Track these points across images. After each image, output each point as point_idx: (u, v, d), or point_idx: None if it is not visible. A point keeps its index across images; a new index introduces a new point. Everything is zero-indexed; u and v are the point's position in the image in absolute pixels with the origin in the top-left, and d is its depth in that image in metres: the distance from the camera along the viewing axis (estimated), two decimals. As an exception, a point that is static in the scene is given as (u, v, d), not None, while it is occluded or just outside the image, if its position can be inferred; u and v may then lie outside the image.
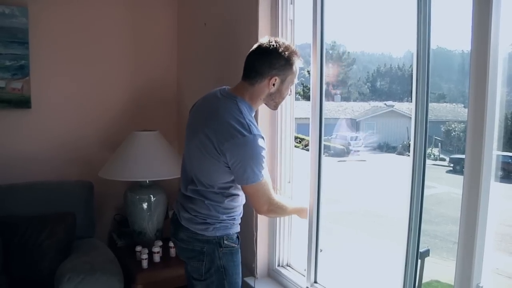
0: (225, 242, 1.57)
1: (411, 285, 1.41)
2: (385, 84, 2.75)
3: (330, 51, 2.58)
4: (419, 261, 1.41)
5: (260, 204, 1.54)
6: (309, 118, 1.79)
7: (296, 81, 1.59)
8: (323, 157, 1.78)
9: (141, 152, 2.36)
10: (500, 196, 1.22)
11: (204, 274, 1.57)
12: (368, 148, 2.82)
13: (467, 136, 1.17)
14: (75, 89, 2.63)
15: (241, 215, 1.66)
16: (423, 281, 1.46)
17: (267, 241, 2.10)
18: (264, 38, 1.54)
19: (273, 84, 1.51)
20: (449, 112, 2.11)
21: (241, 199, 1.62)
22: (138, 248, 2.34)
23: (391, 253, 1.90)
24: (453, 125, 2.14)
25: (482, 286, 1.19)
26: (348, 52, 2.78)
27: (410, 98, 1.38)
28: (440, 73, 1.92)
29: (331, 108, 2.83)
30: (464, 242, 1.19)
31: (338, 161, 2.97)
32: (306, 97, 2.15)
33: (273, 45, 1.49)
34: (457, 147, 2.13)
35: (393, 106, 2.63)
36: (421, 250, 1.41)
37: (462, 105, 2.01)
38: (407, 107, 2.20)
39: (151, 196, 2.43)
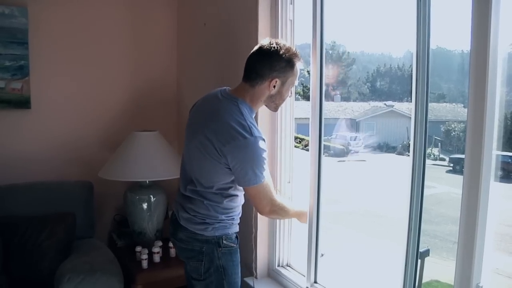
0: (224, 242, 1.57)
1: (411, 285, 1.41)
2: (385, 84, 2.75)
3: (330, 51, 2.58)
4: (419, 261, 1.41)
5: (262, 205, 1.55)
6: (309, 118, 1.79)
7: (296, 83, 1.59)
8: (323, 157, 1.78)
9: (141, 152, 2.36)
10: (499, 196, 1.22)
11: (203, 274, 1.57)
12: (368, 148, 2.82)
13: (466, 136, 1.17)
14: (75, 89, 2.63)
15: (239, 215, 1.66)
16: (423, 281, 1.46)
17: (267, 241, 2.10)
18: (265, 40, 1.54)
19: (274, 86, 1.51)
20: (448, 112, 2.11)
21: (240, 200, 1.63)
22: (138, 248, 2.34)
23: (391, 253, 1.90)
24: (452, 125, 2.15)
25: (482, 286, 1.19)
26: (348, 52, 2.78)
27: (410, 98, 1.38)
28: (440, 73, 1.92)
29: (331, 108, 2.83)
30: (464, 242, 1.19)
31: (338, 161, 2.98)
32: (306, 97, 2.15)
33: (274, 47, 1.48)
34: (456, 147, 2.13)
35: (393, 106, 2.63)
36: (421, 250, 1.41)
37: (462, 105, 2.01)
38: (407, 107, 2.21)
39: (151, 196, 2.43)
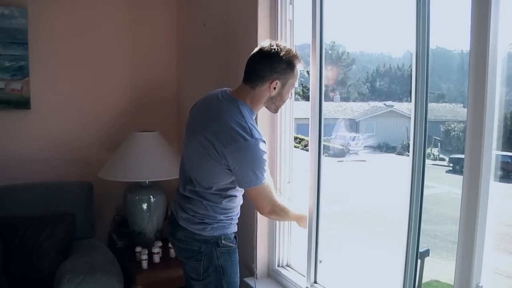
0: (223, 241, 1.58)
1: (411, 285, 1.41)
2: (384, 84, 2.75)
3: (330, 51, 2.58)
4: (419, 261, 1.41)
5: (263, 206, 1.56)
6: (308, 118, 1.79)
7: (296, 84, 1.60)
8: (322, 157, 1.78)
9: (140, 152, 2.36)
10: (499, 196, 1.22)
11: (202, 273, 1.57)
12: (368, 148, 2.82)
13: (466, 136, 1.17)
14: (74, 89, 2.63)
15: (238, 215, 1.67)
16: (423, 281, 1.46)
17: (267, 241, 2.10)
18: (265, 42, 1.54)
19: (274, 88, 1.51)
20: (448, 112, 2.11)
21: (239, 200, 1.63)
22: (138, 249, 2.34)
23: (391, 253, 1.90)
24: (452, 125, 2.14)
25: (482, 286, 1.19)
26: (348, 52, 2.78)
27: (409, 98, 1.38)
28: (440, 73, 1.92)
29: (331, 108, 2.83)
30: (463, 242, 1.19)
31: (338, 161, 2.97)
32: (306, 97, 2.15)
33: (274, 49, 1.49)
34: (456, 147, 2.13)
35: (393, 106, 2.63)
36: (421, 250, 1.41)
37: (462, 105, 2.01)
38: (407, 107, 2.20)
39: (151, 196, 2.43)
